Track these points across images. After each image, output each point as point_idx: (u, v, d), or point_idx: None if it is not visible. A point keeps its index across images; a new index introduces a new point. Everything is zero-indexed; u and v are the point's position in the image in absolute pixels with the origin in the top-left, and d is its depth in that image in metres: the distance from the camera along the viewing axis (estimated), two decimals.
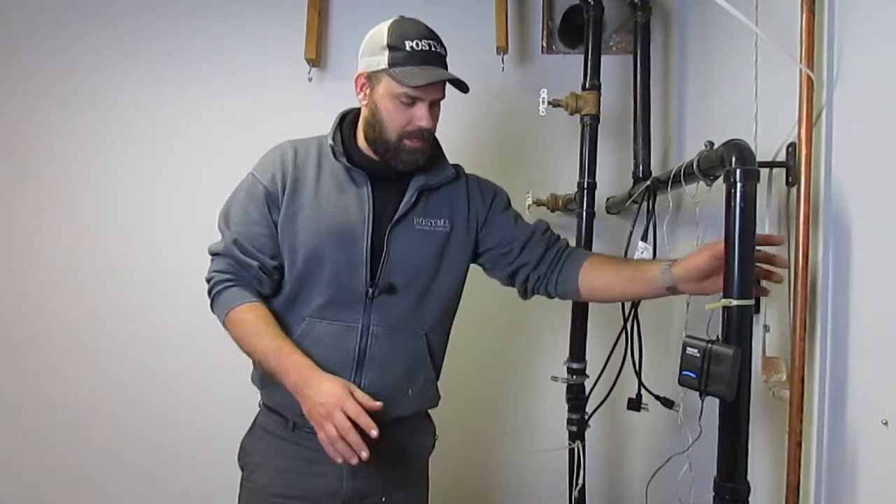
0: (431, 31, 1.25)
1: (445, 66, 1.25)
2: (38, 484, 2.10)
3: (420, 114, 1.23)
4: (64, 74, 2.11)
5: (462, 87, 1.24)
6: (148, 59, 2.10)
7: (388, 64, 1.21)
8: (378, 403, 1.11)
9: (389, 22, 1.25)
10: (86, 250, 2.09)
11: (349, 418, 1.08)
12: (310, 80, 2.06)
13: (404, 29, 1.23)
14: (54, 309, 2.10)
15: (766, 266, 1.09)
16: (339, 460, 1.10)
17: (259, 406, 1.38)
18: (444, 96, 1.26)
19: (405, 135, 1.24)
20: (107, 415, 2.09)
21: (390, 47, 1.21)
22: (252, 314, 1.23)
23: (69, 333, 2.09)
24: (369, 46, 1.25)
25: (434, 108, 1.26)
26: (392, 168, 1.28)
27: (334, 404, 1.09)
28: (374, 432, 1.08)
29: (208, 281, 1.29)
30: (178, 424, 2.08)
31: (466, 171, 1.43)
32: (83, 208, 2.10)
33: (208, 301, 1.30)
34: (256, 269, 1.26)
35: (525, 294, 1.42)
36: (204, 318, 1.99)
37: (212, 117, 2.09)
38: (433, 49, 1.22)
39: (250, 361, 1.40)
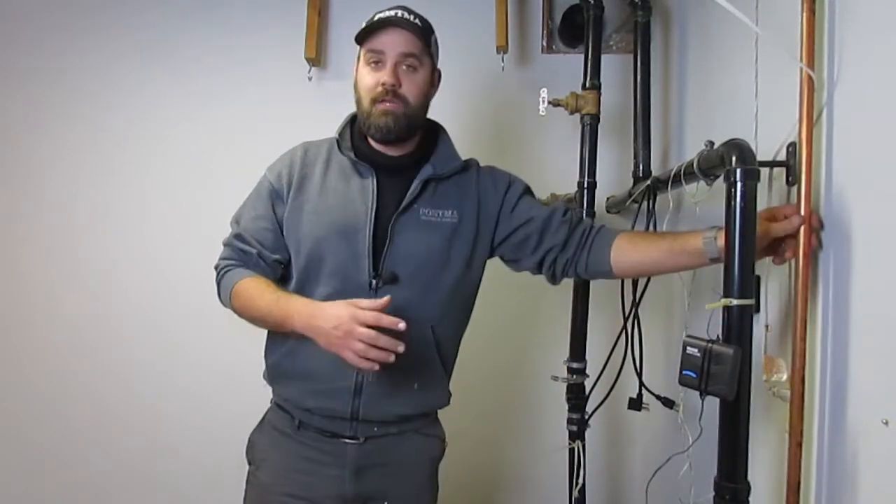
0: (407, 8, 1.27)
1: (413, 29, 1.25)
2: (36, 483, 2.09)
3: (383, 71, 1.24)
4: (64, 74, 2.10)
5: (418, 31, 1.24)
6: (148, 59, 2.10)
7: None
8: (386, 297, 1.10)
9: None
10: (86, 250, 2.09)
11: (370, 326, 1.07)
12: (310, 79, 2.06)
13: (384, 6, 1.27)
14: (54, 308, 2.09)
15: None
16: (377, 367, 1.08)
17: (270, 402, 1.38)
18: (411, 53, 1.25)
19: (376, 98, 1.24)
20: (106, 414, 2.08)
21: (366, 22, 1.26)
22: (251, 282, 1.26)
23: (69, 333, 2.09)
24: None
25: (407, 71, 1.25)
26: (395, 159, 1.30)
27: (348, 319, 1.08)
28: (402, 325, 1.07)
29: (215, 269, 1.34)
30: (178, 424, 2.08)
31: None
32: (83, 208, 2.09)
33: (216, 291, 1.34)
34: (255, 255, 1.30)
35: (554, 279, 1.37)
36: (205, 318, 2.02)
37: (212, 116, 2.08)
38: (398, 15, 1.25)
39: (252, 361, 1.40)
